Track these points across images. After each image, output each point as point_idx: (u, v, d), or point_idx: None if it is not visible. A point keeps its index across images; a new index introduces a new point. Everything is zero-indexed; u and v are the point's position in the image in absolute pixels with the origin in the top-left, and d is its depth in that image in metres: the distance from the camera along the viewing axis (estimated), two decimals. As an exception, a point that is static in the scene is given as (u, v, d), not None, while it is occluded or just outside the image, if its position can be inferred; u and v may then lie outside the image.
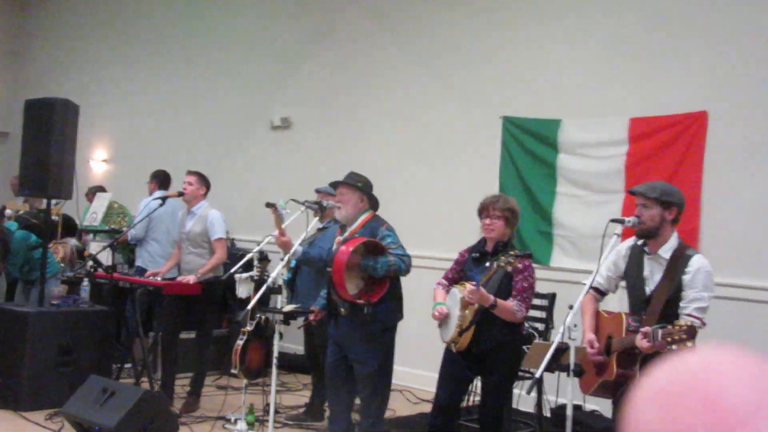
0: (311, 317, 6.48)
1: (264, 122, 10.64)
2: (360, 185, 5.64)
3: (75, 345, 7.07)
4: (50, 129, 7.17)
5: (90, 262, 7.41)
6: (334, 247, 5.54)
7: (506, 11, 8.43)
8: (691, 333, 4.09)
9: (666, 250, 4.55)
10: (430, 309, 5.28)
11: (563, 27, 7.98)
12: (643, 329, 4.27)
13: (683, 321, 4.31)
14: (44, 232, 7.74)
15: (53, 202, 7.71)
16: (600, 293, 4.84)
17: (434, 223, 8.68)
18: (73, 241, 9.80)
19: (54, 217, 8.83)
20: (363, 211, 5.64)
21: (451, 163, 8.70)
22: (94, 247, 8.86)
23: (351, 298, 5.33)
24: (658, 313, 4.44)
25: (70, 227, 9.99)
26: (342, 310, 5.50)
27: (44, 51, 14.69)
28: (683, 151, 7.03)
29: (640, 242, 4.72)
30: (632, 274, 4.71)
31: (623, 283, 4.90)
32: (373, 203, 5.72)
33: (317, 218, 6.73)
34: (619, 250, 4.71)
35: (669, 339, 4.11)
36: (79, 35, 13.93)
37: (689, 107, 7.02)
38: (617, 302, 5.30)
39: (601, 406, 6.46)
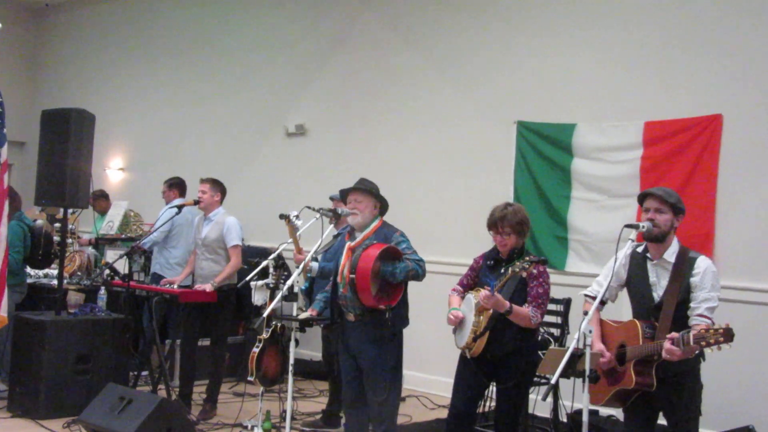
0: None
1: (279, 129, 10.67)
2: (375, 191, 5.64)
3: (92, 353, 7.10)
4: (66, 139, 7.18)
5: (107, 271, 7.44)
6: (344, 252, 5.52)
7: (520, 18, 8.43)
8: (728, 335, 4.05)
9: (671, 255, 4.57)
10: (445, 315, 5.28)
11: (576, 32, 7.97)
12: (669, 335, 4.26)
13: (696, 322, 4.31)
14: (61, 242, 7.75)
15: (69, 210, 7.73)
16: (601, 303, 4.82)
17: (449, 228, 8.67)
18: (90, 250, 9.86)
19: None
20: (375, 218, 5.63)
21: (465, 168, 8.69)
22: (111, 255, 8.89)
23: (374, 303, 5.29)
24: (671, 317, 4.43)
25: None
26: (351, 315, 5.48)
27: (60, 61, 14.79)
28: (698, 154, 7.00)
29: (640, 249, 4.72)
30: (637, 281, 4.70)
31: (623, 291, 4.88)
32: (383, 209, 5.70)
33: (332, 225, 6.74)
34: (617, 259, 4.67)
35: (704, 342, 4.08)
36: (95, 45, 14.00)
37: (704, 110, 7.00)
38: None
39: (618, 411, 6.44)
